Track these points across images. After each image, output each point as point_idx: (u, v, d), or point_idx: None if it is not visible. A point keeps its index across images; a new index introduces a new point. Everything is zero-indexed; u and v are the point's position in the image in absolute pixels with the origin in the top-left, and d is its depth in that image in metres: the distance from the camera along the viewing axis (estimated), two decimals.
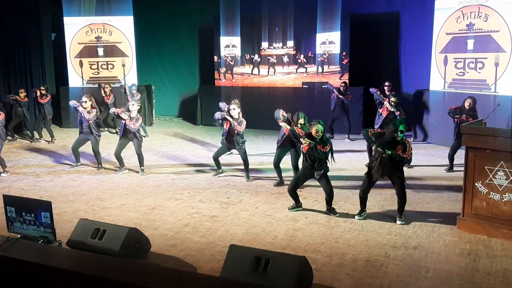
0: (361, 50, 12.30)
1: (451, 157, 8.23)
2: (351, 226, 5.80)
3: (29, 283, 3.99)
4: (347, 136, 11.12)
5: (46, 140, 11.43)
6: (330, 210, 6.23)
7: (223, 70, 13.73)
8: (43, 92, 11.27)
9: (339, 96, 10.93)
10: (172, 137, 12.18)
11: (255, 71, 13.46)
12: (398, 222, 5.85)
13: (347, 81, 11.73)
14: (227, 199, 6.95)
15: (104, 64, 13.63)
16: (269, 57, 13.27)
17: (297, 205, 6.41)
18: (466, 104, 8.05)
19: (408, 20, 12.11)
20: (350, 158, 9.41)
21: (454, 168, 8.20)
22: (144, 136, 11.53)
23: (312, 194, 7.05)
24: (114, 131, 12.32)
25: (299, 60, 12.94)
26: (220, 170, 8.22)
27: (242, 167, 8.06)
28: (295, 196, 6.39)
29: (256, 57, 13.37)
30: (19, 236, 4.66)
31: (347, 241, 5.35)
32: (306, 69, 12.92)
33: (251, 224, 5.93)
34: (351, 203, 6.59)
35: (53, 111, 11.61)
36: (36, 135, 11.67)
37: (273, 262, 4.00)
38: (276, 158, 7.60)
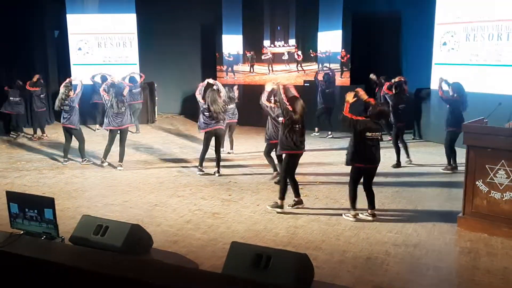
0: (362, 48, 12.28)
1: (449, 153, 8.14)
2: (352, 224, 5.82)
3: (31, 279, 4.02)
4: (329, 133, 11.26)
5: (42, 136, 11.52)
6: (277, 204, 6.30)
7: (224, 67, 13.76)
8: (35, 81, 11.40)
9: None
10: (174, 134, 12.20)
11: (257, 68, 13.48)
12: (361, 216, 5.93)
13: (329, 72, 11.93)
14: (228, 196, 6.97)
15: (107, 61, 13.65)
16: (270, 55, 13.28)
17: (297, 201, 6.39)
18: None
19: (410, 18, 12.10)
20: None
21: (454, 166, 8.20)
22: (136, 133, 11.59)
23: (313, 192, 7.07)
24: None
25: (300, 58, 12.95)
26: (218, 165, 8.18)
27: (244, 164, 8.02)
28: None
29: (257, 55, 13.38)
30: (22, 232, 4.67)
31: (348, 239, 5.37)
32: (307, 67, 12.92)
33: (253, 221, 5.96)
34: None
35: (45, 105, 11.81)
36: (38, 132, 11.67)
37: (274, 259, 4.02)
38: (266, 148, 7.64)
